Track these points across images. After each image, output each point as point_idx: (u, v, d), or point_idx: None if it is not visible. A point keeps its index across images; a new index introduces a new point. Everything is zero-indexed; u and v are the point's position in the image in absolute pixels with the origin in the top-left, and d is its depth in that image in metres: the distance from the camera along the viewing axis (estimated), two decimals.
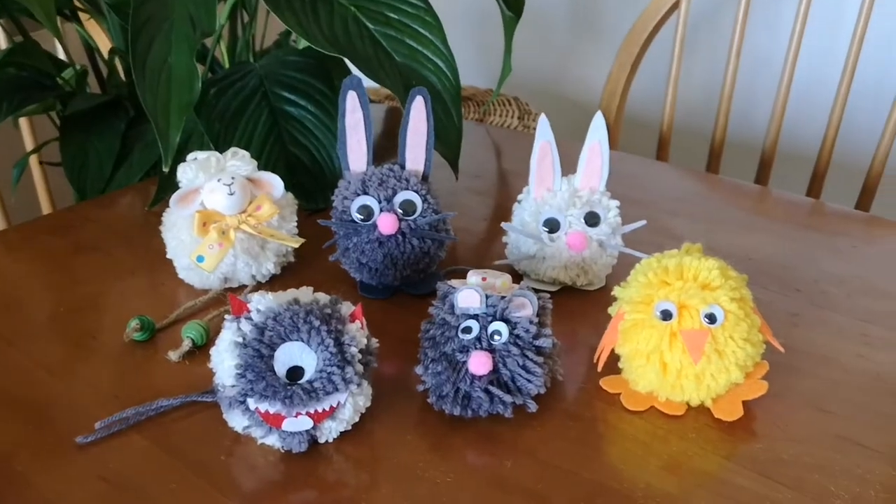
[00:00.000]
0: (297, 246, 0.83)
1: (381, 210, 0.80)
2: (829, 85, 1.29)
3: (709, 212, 1.03)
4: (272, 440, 0.61)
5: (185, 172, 0.81)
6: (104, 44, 1.39)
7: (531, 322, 0.65)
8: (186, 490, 0.59)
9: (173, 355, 0.73)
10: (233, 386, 0.59)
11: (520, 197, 0.86)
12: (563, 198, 0.81)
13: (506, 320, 0.65)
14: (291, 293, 0.63)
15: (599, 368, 0.69)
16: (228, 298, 0.61)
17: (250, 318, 0.60)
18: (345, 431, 0.63)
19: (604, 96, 1.57)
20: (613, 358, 0.69)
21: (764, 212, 1.04)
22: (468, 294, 0.66)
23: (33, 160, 1.40)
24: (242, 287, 0.85)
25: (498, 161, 1.24)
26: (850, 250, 0.92)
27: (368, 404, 0.64)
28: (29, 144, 1.41)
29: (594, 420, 0.66)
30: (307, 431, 0.61)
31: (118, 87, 1.27)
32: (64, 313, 0.81)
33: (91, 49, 1.34)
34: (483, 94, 1.89)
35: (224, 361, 0.60)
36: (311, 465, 0.61)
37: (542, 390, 0.65)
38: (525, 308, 0.66)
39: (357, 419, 0.63)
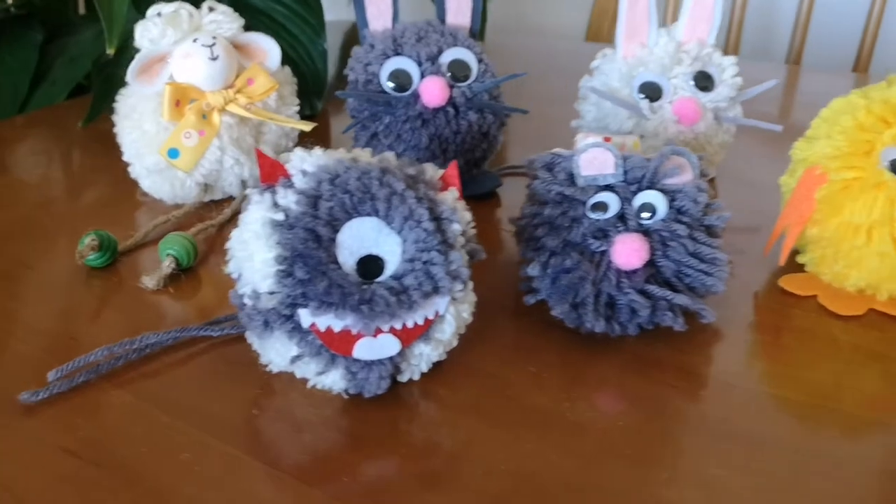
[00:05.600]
0: (308, 130, 0.59)
1: (424, 74, 0.57)
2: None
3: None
4: (333, 379, 0.38)
5: (145, 32, 0.57)
6: None
7: (700, 189, 0.44)
8: (212, 462, 0.36)
9: (149, 282, 0.49)
10: (272, 293, 0.36)
11: (594, 63, 0.64)
12: (667, 52, 0.60)
13: (659, 189, 0.44)
14: (343, 152, 0.40)
15: (782, 261, 0.48)
16: (256, 155, 0.38)
17: (292, 186, 0.37)
18: (436, 364, 0.41)
19: (591, 19, 1.38)
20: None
21: None
22: (596, 155, 0.44)
23: None
24: (229, 200, 0.62)
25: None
26: None
27: (470, 320, 0.41)
28: None
29: (789, 331, 0.46)
30: (391, 360, 0.38)
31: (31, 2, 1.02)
32: None
33: None
34: None
35: (254, 256, 0.37)
36: (390, 418, 0.39)
37: (723, 288, 0.44)
38: (685, 171, 0.45)
39: (455, 343, 0.41)
